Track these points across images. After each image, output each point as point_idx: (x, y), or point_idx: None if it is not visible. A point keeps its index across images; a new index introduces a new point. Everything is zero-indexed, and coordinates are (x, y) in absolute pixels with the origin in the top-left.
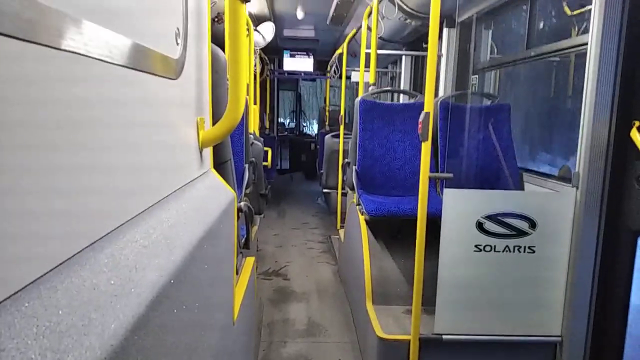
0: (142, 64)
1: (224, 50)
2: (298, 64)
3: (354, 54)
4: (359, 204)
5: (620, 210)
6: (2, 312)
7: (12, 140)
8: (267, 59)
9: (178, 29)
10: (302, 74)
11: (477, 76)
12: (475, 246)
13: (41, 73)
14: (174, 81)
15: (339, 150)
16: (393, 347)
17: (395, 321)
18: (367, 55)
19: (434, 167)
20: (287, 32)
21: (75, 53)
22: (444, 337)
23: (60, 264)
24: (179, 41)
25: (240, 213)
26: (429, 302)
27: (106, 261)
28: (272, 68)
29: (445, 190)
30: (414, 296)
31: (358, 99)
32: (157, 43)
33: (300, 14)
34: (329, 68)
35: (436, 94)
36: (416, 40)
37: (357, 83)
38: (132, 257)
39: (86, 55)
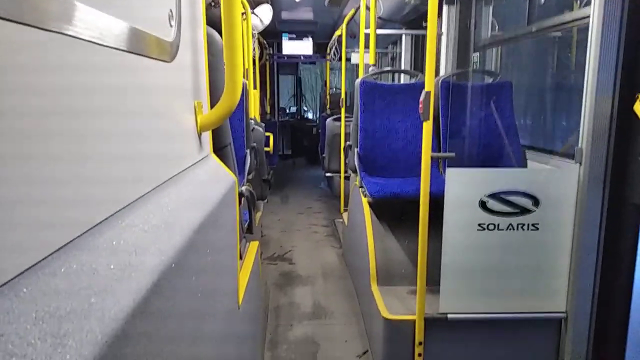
0: (135, 47)
1: (221, 35)
2: (297, 47)
3: (353, 35)
4: (361, 187)
5: (624, 185)
6: (1, 297)
7: (7, 126)
8: (265, 43)
9: (171, 10)
10: (302, 57)
11: (478, 54)
12: (479, 225)
13: (33, 57)
14: (169, 64)
15: (340, 134)
16: (398, 328)
17: (400, 302)
18: (367, 36)
19: (436, 147)
20: (285, 15)
21: (66, 35)
22: (449, 316)
23: (59, 248)
24: (173, 23)
25: (242, 198)
26: (433, 282)
27: (105, 245)
28: (272, 52)
29: (448, 170)
30: (419, 276)
31: (358, 80)
32: (150, 25)
33: None
34: (328, 50)
35: (437, 73)
36: (416, 19)
37: (357, 65)
38: (132, 242)
39: (77, 37)
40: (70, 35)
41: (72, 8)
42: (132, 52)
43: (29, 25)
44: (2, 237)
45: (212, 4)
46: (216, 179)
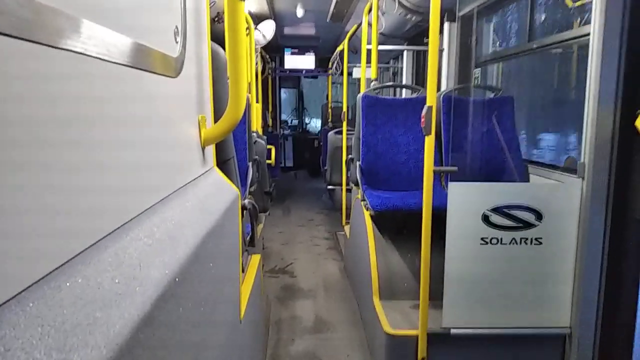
0: (141, 62)
1: (225, 50)
2: (299, 61)
3: (355, 50)
4: (363, 200)
5: (627, 199)
6: (6, 312)
7: (14, 140)
8: (268, 57)
9: (177, 27)
10: (304, 71)
11: (479, 69)
12: (482, 239)
13: (42, 72)
14: (174, 79)
15: (342, 147)
16: (401, 343)
17: (403, 316)
18: (368, 51)
19: (438, 161)
20: (287, 30)
21: (75, 52)
22: (452, 331)
23: (64, 263)
24: (178, 39)
25: (244, 211)
26: (436, 297)
27: (110, 260)
28: (274, 66)
29: (450, 184)
30: (421, 291)
31: (360, 95)
32: (156, 41)
33: (300, 12)
34: (330, 65)
35: (438, 88)
36: (417, 35)
37: (359, 79)
38: (136, 255)
39: (85, 54)
40: (79, 52)
41: (81, 26)
42: (138, 68)
43: (39, 43)
44: (8, 251)
45: (216, 19)
46: (219, 192)
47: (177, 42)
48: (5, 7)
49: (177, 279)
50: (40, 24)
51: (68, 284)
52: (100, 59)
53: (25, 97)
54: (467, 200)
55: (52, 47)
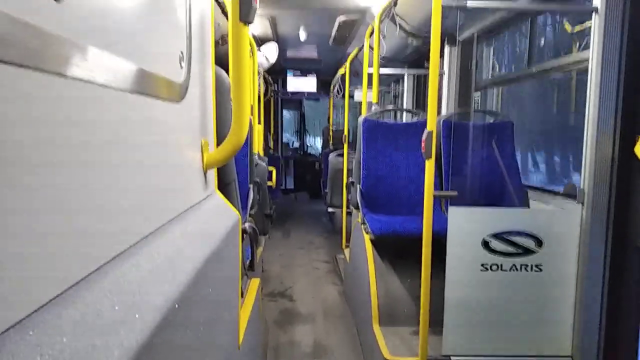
0: (146, 89)
1: (227, 72)
2: (301, 84)
3: (356, 74)
4: (363, 223)
5: (627, 225)
6: (6, 342)
7: (16, 164)
8: (270, 79)
9: (182, 52)
10: (306, 93)
11: (479, 93)
12: (482, 265)
13: (45, 100)
14: (178, 104)
15: (343, 169)
16: None
17: (403, 342)
18: (370, 74)
19: (438, 186)
20: (290, 53)
21: (80, 80)
22: (452, 358)
23: (65, 291)
24: (183, 65)
25: (245, 234)
26: (436, 323)
27: (110, 287)
28: (276, 88)
29: (450, 209)
30: (421, 317)
31: (361, 118)
32: (161, 67)
33: (302, 35)
34: (332, 87)
35: (439, 112)
36: (418, 59)
37: (360, 102)
38: (136, 282)
39: (91, 82)
40: (83, 80)
41: (86, 52)
42: (143, 94)
43: (43, 70)
44: (8, 280)
45: (220, 42)
46: (220, 217)
47: (182, 68)
48: (13, 37)
49: (176, 305)
50: (48, 53)
51: (68, 311)
52: (106, 86)
53: (27, 125)
54: (467, 225)
55: (60, 75)
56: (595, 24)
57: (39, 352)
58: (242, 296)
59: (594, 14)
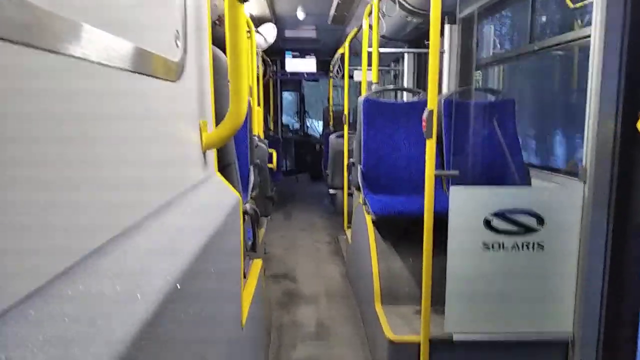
0: (141, 67)
1: (225, 53)
2: (300, 64)
3: (356, 53)
4: (365, 204)
5: (629, 203)
6: (8, 321)
7: (11, 146)
8: (269, 60)
9: (177, 31)
10: (305, 74)
11: (480, 72)
12: (483, 244)
13: (40, 77)
14: (175, 84)
15: (343, 150)
16: (403, 348)
17: (405, 321)
18: (369, 54)
19: (439, 165)
20: (288, 33)
21: (75, 57)
22: (454, 336)
23: (65, 270)
24: (179, 44)
25: (246, 216)
26: (438, 302)
27: (111, 266)
28: (275, 69)
29: (452, 188)
30: (423, 296)
31: (361, 98)
32: (157, 46)
33: (301, 15)
34: (331, 68)
35: (440, 91)
36: (418, 38)
37: (360, 82)
38: (137, 263)
39: (85, 59)
40: (77, 57)
41: (80, 30)
42: (138, 72)
43: (37, 47)
44: (8, 260)
45: (217, 22)
46: (221, 198)
47: (177, 46)
48: (5, 13)
49: (178, 285)
50: (40, 30)
51: (69, 290)
52: (100, 63)
53: (23, 102)
54: (469, 205)
55: (53, 52)
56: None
57: (40, 332)
58: (244, 277)
59: None
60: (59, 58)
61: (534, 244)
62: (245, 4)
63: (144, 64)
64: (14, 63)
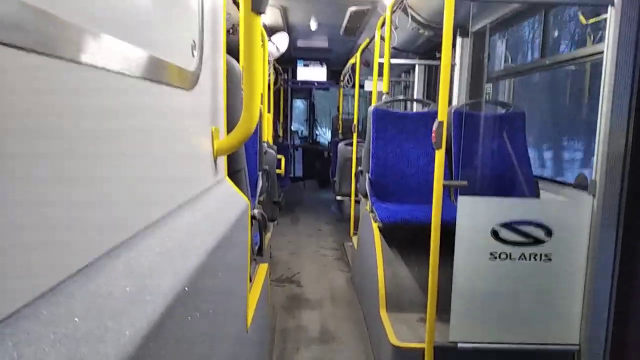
0: (158, 76)
1: (238, 61)
2: (311, 73)
3: (367, 64)
4: (372, 212)
5: (638, 217)
6: (20, 319)
7: (30, 150)
8: (280, 68)
9: (194, 41)
10: (316, 83)
11: (491, 85)
12: (491, 254)
13: (60, 86)
14: (190, 92)
15: (352, 158)
16: (407, 355)
17: (410, 329)
18: (380, 64)
19: (448, 176)
20: (300, 43)
21: (94, 67)
22: (459, 345)
23: (77, 271)
24: (195, 53)
25: (253, 220)
26: (443, 310)
27: (122, 268)
28: (286, 77)
29: (460, 198)
30: (429, 304)
31: (371, 108)
32: (174, 55)
33: (313, 25)
34: (342, 77)
35: (450, 103)
36: (429, 50)
37: (371, 92)
38: (147, 265)
39: (104, 69)
40: (98, 67)
41: (101, 41)
42: (155, 81)
43: (63, 58)
44: (22, 260)
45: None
46: (230, 203)
47: (193, 56)
48: (28, 24)
49: (186, 289)
50: (62, 40)
51: (81, 292)
52: (119, 73)
53: (45, 111)
54: (477, 215)
55: (74, 62)
56: (611, 16)
57: (52, 331)
58: (250, 281)
59: (609, 6)
60: (76, 67)
61: (541, 255)
62: (262, 15)
63: (161, 73)
64: (33, 73)
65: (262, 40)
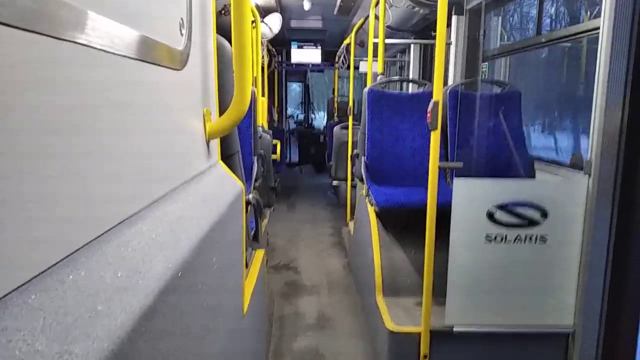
0: (145, 55)
1: (231, 43)
2: (306, 55)
3: (361, 44)
4: (368, 196)
5: (634, 197)
6: (8, 304)
7: (17, 130)
8: (274, 50)
9: (182, 19)
10: (310, 65)
11: (487, 64)
12: (486, 236)
13: (44, 64)
14: (179, 72)
15: (348, 142)
16: (404, 340)
17: (406, 313)
18: (375, 44)
19: (443, 157)
20: (294, 23)
21: (78, 44)
22: (455, 328)
23: (67, 256)
24: (183, 32)
25: (249, 206)
26: (439, 294)
27: (113, 253)
28: (280, 60)
29: (455, 179)
30: (425, 288)
31: (366, 89)
32: (161, 34)
33: (307, 5)
34: (337, 59)
35: (445, 83)
36: (425, 29)
37: (366, 73)
38: (139, 250)
39: (89, 46)
40: (83, 44)
41: (85, 17)
42: (142, 60)
43: (41, 33)
44: (11, 244)
45: (222, 12)
46: (223, 187)
47: (182, 35)
48: (12, 0)
49: (179, 273)
50: (45, 16)
51: (71, 276)
52: (104, 51)
53: (27, 89)
54: (472, 197)
55: (57, 38)
56: None
57: (41, 316)
58: (246, 267)
59: None
60: (60, 44)
61: (536, 237)
62: None
63: (148, 52)
64: (17, 49)
65: (255, 21)
